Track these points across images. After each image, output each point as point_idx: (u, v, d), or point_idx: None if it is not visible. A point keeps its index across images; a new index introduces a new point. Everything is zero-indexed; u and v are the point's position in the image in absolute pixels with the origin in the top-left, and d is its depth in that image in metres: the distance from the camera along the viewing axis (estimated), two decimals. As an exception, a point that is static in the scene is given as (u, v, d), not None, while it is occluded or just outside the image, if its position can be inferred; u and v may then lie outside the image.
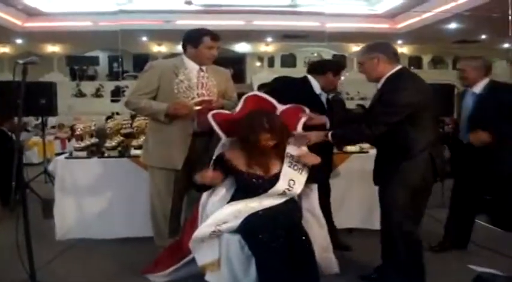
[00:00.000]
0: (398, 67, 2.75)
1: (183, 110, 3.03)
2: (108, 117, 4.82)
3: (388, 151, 2.79)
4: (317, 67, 3.56)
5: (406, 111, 2.58)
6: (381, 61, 2.73)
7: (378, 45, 2.83)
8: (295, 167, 2.67)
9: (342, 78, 3.61)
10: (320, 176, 2.89)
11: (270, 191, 2.62)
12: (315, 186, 2.84)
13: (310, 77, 3.49)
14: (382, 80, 2.75)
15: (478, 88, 3.37)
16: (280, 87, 3.56)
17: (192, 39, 3.13)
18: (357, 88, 15.62)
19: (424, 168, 2.69)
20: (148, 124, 3.37)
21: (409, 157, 2.66)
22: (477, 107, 3.34)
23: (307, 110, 2.97)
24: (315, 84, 3.45)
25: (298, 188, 2.67)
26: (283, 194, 2.64)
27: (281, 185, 2.63)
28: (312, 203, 2.82)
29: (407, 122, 2.61)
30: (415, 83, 2.70)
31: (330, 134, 2.77)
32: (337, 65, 3.61)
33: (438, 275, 2.98)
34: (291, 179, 2.64)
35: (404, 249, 2.69)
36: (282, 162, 2.69)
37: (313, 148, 2.83)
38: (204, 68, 3.17)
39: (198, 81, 3.13)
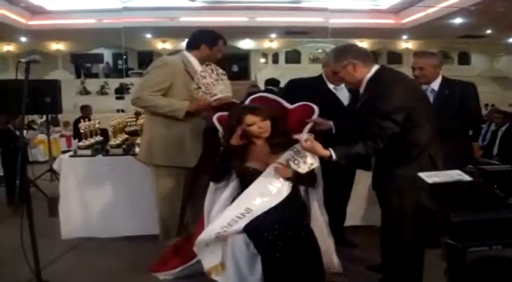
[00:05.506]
0: (376, 67, 2.59)
1: (206, 108, 3.01)
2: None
3: (385, 157, 2.63)
4: None
5: (402, 116, 2.43)
6: (356, 66, 2.56)
7: (347, 50, 2.61)
8: (296, 161, 2.62)
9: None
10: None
11: (262, 175, 2.62)
12: (320, 186, 2.82)
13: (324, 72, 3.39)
14: (363, 84, 2.60)
15: (436, 85, 3.33)
16: (292, 88, 3.46)
17: (210, 40, 3.18)
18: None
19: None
20: (151, 122, 3.18)
21: (406, 162, 2.51)
22: (437, 104, 3.23)
23: (316, 111, 2.90)
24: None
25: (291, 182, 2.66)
26: (276, 183, 2.62)
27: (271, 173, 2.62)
28: (316, 203, 2.80)
29: (402, 126, 2.46)
30: (400, 83, 2.53)
31: (334, 158, 2.49)
32: None
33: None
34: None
35: (401, 255, 2.61)
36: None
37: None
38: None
39: (219, 78, 3.08)
